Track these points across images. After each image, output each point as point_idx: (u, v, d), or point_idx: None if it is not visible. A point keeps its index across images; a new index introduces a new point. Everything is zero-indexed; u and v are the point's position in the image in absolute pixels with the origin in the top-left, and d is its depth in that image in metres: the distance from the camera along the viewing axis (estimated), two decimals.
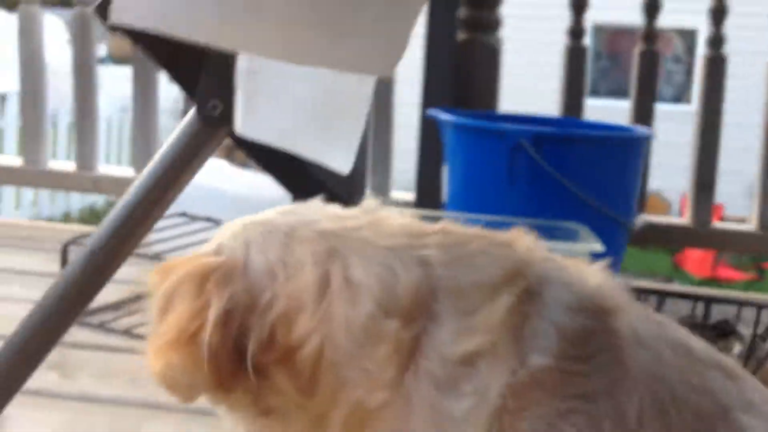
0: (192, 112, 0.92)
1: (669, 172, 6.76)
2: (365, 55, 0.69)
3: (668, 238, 2.43)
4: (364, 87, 0.77)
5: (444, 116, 2.26)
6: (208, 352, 0.73)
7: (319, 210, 0.83)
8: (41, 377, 1.76)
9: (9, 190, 6.43)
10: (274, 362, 0.74)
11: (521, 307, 0.75)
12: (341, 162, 0.78)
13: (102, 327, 2.05)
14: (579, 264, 0.83)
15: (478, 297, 0.74)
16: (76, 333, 2.02)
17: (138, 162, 2.84)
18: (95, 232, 0.94)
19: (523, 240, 0.82)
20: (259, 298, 0.75)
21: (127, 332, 2.02)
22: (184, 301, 0.75)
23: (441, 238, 0.79)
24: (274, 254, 0.77)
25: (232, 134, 0.90)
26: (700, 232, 2.38)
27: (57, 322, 0.97)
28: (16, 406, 1.60)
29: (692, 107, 2.55)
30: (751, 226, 2.44)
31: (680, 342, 0.82)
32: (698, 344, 0.84)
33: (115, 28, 0.90)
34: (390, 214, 0.83)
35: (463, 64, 2.50)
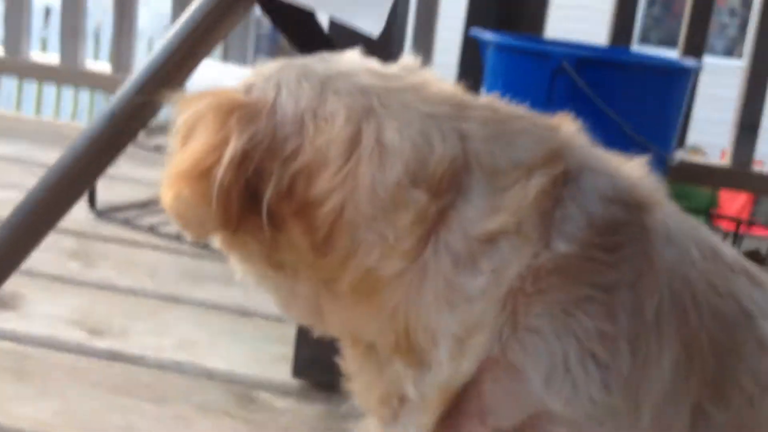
0: None
1: (712, 127, 6.60)
2: None
3: (705, 177, 2.36)
4: None
5: (487, 35, 2.20)
6: (218, 189, 0.70)
7: (359, 62, 0.78)
8: (62, 264, 1.78)
9: (51, 94, 6.45)
10: (291, 214, 0.71)
11: (555, 190, 0.71)
12: (372, 24, 0.74)
13: (127, 223, 2.06)
14: (620, 158, 0.79)
15: (512, 176, 0.71)
16: (100, 227, 2.04)
17: None
18: (117, 94, 0.92)
19: (568, 125, 0.77)
20: (283, 145, 0.71)
21: (151, 229, 2.03)
22: (203, 134, 0.72)
23: (485, 112, 0.74)
24: (306, 102, 0.73)
25: None
26: (739, 174, 2.31)
27: (78, 175, 0.94)
28: (34, 288, 1.63)
29: (743, 62, 2.45)
30: None
31: (710, 245, 0.78)
32: (728, 250, 0.81)
33: None
34: (436, 78, 0.78)
35: None
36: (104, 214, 2.09)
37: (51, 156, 2.58)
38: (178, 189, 0.71)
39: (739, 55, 9.34)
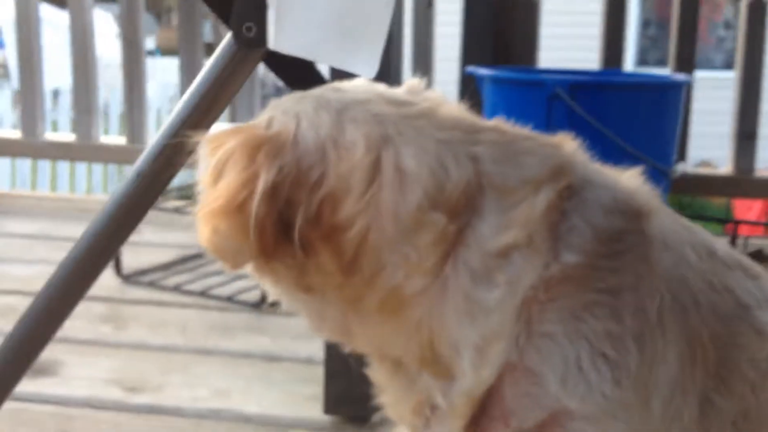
0: (228, 36, 0.96)
1: (720, 141, 6.60)
2: None
3: (709, 187, 2.42)
4: None
5: (483, 71, 2.28)
6: (254, 221, 0.73)
7: (369, 89, 0.82)
8: (95, 329, 1.85)
9: (64, 168, 6.58)
10: (319, 239, 0.75)
11: (561, 203, 0.76)
12: (367, 67, 0.81)
13: (153, 285, 2.13)
14: (617, 171, 0.84)
15: (521, 192, 0.75)
16: (128, 291, 2.10)
17: None
18: (142, 155, 0.99)
19: (569, 144, 0.83)
20: (308, 174, 0.75)
21: (177, 288, 2.09)
22: (234, 171, 0.75)
23: (493, 135, 0.79)
24: (326, 131, 0.77)
25: (265, 56, 0.95)
26: (742, 181, 2.36)
27: (109, 238, 1.01)
28: (69, 353, 1.69)
29: (735, 75, 2.50)
30: None
31: (705, 245, 0.83)
32: (722, 247, 0.86)
33: None
34: (444, 102, 0.83)
35: (502, 20, 2.51)
36: (130, 278, 2.16)
37: (72, 230, 2.67)
38: (214, 224, 0.75)
39: None
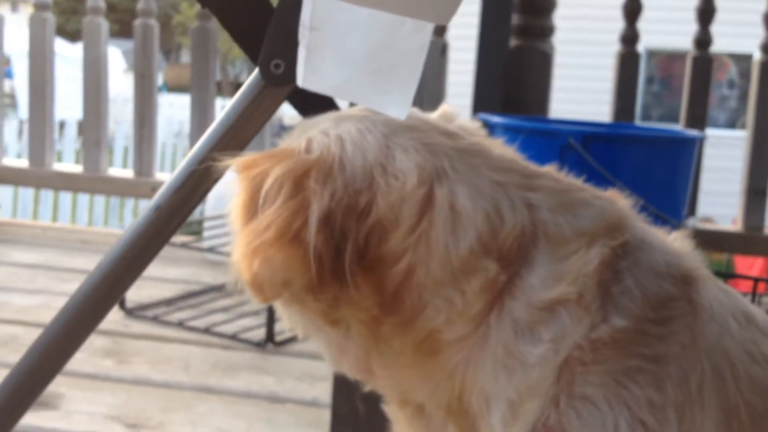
0: (255, 72, 0.95)
1: (721, 199, 6.64)
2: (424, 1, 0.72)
3: (719, 243, 2.41)
4: (420, 37, 0.80)
5: (494, 119, 2.28)
6: (314, 250, 0.69)
7: (412, 114, 0.78)
8: (97, 363, 1.82)
9: (66, 199, 6.59)
10: (362, 270, 0.71)
11: (615, 261, 0.73)
12: (398, 110, 0.80)
13: (156, 320, 2.10)
14: (664, 233, 0.82)
15: (575, 245, 0.73)
16: (131, 325, 2.08)
17: None
18: (161, 189, 0.98)
19: (622, 200, 0.81)
20: (357, 200, 0.71)
21: (181, 324, 2.07)
22: (280, 199, 0.70)
23: (549, 182, 0.77)
24: (373, 156, 0.73)
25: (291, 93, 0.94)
26: (752, 238, 2.35)
27: (122, 272, 1.00)
28: (71, 387, 1.66)
29: (747, 130, 2.51)
30: None
31: (744, 312, 0.82)
32: (758, 313, 0.84)
33: None
34: (490, 139, 0.80)
35: (514, 70, 2.52)
36: (134, 312, 2.14)
37: (75, 261, 2.63)
38: (267, 256, 0.69)
39: (742, 127, 9.47)
